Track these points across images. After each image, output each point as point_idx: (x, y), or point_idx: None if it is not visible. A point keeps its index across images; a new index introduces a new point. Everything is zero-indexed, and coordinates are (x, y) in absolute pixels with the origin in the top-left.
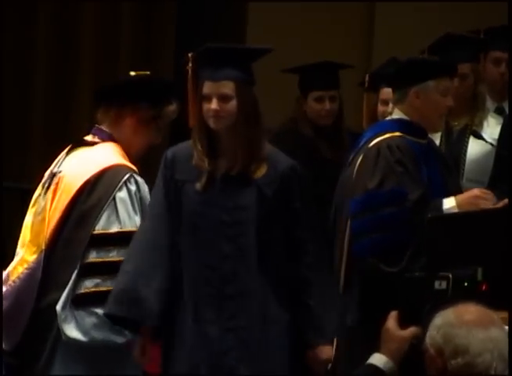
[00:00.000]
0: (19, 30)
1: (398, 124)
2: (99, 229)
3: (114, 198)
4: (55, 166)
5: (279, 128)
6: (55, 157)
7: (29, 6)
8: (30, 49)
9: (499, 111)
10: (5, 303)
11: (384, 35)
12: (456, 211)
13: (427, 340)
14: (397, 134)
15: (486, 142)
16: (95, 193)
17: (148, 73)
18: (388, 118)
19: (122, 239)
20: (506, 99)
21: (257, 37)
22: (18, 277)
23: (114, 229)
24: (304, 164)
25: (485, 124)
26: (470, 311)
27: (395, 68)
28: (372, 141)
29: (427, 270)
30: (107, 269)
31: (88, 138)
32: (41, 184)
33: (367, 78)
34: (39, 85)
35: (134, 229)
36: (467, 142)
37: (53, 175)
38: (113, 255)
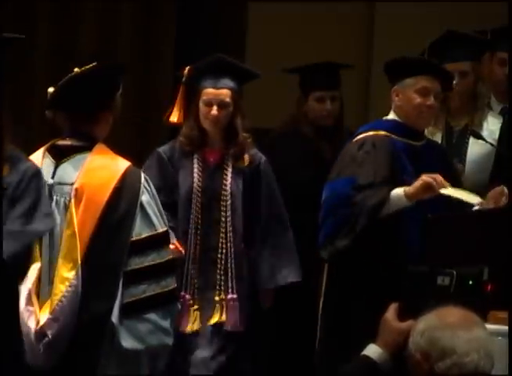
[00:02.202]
0: (19, 30)
1: (386, 124)
2: (134, 235)
3: (142, 203)
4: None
5: (280, 128)
6: None
7: (28, 6)
8: (30, 49)
9: (504, 112)
10: (55, 325)
11: (383, 35)
12: (404, 198)
13: (411, 346)
14: (381, 133)
15: (486, 142)
16: (123, 200)
17: (94, 64)
18: (384, 118)
19: (157, 241)
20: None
21: (257, 38)
22: (63, 296)
23: (149, 232)
24: (305, 164)
25: (485, 124)
26: (452, 313)
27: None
28: (355, 138)
29: (432, 265)
30: (150, 274)
31: (67, 142)
32: None
33: (186, 72)
34: (39, 85)
35: (165, 228)
36: (468, 143)
37: (51, 186)
38: (153, 258)
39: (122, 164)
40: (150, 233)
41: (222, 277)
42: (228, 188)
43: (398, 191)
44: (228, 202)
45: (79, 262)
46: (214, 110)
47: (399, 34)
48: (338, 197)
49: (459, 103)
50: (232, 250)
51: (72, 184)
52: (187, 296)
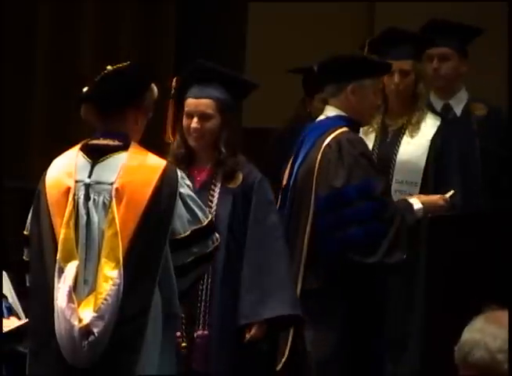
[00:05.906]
0: (19, 30)
1: (342, 121)
2: (183, 232)
3: (184, 198)
4: (78, 175)
5: (284, 128)
6: (56, 157)
7: (28, 6)
8: (30, 48)
9: (446, 108)
10: (101, 323)
11: None
12: (421, 211)
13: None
14: (346, 129)
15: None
16: (163, 198)
17: (126, 63)
18: (324, 117)
19: (204, 233)
20: (452, 96)
21: (257, 38)
22: (108, 295)
23: (195, 227)
24: None
25: (423, 124)
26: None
27: (336, 62)
28: (325, 138)
29: None
30: (196, 264)
31: (102, 142)
32: (66, 194)
33: (174, 83)
34: (39, 84)
35: (209, 218)
36: (400, 143)
37: (87, 185)
38: (200, 250)
39: (160, 162)
40: (197, 227)
41: (201, 310)
42: (213, 210)
43: (418, 206)
44: None
45: (121, 260)
46: (194, 123)
47: None
48: (366, 207)
49: (398, 102)
50: (210, 280)
51: (111, 184)
52: (177, 333)
